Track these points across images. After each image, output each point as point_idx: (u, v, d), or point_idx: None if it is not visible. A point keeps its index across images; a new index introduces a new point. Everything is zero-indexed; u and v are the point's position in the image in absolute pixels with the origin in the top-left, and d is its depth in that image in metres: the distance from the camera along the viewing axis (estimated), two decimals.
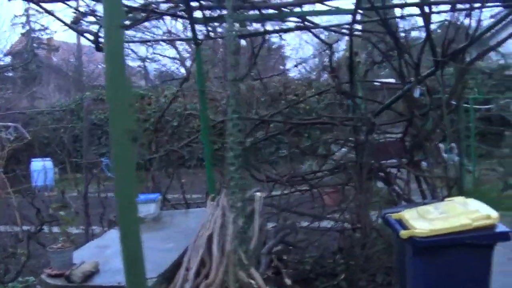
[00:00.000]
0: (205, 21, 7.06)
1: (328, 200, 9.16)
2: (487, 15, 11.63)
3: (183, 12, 7.12)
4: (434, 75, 7.47)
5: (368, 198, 7.66)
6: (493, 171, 15.87)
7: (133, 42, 19.39)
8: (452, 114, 8.56)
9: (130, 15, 6.97)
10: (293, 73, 27.25)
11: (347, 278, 7.05)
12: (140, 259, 3.52)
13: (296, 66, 16.15)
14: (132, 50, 28.19)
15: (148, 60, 30.44)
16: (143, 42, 24.14)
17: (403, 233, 4.76)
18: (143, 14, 6.94)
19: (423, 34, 7.55)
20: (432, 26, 7.43)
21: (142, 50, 33.84)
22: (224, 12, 6.67)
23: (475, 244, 4.66)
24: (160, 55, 31.29)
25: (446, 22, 7.61)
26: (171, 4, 7.13)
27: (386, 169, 7.94)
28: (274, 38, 24.65)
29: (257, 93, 12.11)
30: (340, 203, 8.23)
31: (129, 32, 17.30)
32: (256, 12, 6.79)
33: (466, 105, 16.78)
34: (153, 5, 6.84)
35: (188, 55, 30.08)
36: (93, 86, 27.69)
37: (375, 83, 11.29)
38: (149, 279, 4.09)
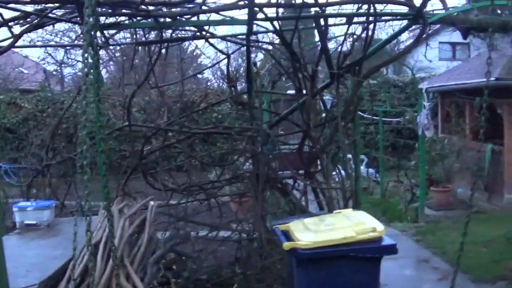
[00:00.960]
0: (100, 28, 6.92)
1: (239, 209, 9.14)
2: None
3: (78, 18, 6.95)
4: (329, 87, 7.54)
5: (264, 209, 7.66)
6: (401, 182, 16.24)
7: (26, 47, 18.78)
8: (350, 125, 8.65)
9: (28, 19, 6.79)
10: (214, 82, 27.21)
11: None
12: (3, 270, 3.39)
13: (195, 75, 16.07)
14: (49, 54, 27.58)
15: (64, 65, 29.82)
16: (36, 47, 23.40)
17: (286, 245, 4.74)
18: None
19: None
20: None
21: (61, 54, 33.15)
22: (121, 19, 6.59)
23: (360, 257, 4.67)
24: (76, 60, 30.71)
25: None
26: (67, 10, 6.98)
27: (283, 180, 7.95)
28: (191, 47, 24.48)
29: (169, 101, 11.98)
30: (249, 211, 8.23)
31: (47, 36, 16.98)
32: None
33: (375, 117, 17.14)
34: (47, 11, 6.66)
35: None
36: (7, 90, 26.89)
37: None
38: (31, 286, 3.97)
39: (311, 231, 4.90)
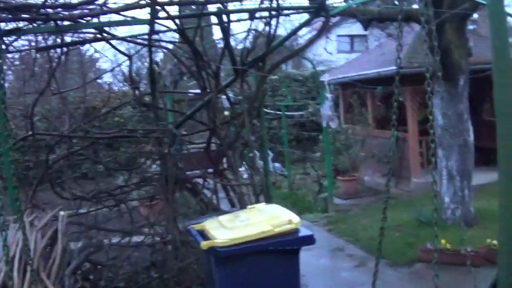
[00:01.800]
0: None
1: (150, 212, 8.98)
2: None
3: None
4: (233, 84, 7.52)
5: (176, 210, 7.56)
6: (307, 174, 16.42)
7: None
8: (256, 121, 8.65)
9: None
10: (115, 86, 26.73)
11: None
12: None
13: (96, 79, 15.69)
14: None
15: None
16: None
17: (204, 244, 4.65)
18: None
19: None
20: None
21: None
22: (21, 24, 6.32)
23: (278, 250, 4.68)
24: None
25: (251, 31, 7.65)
26: None
27: (192, 180, 7.87)
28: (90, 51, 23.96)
29: (70, 107, 11.66)
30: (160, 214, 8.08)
31: None
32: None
33: (279, 112, 17.26)
34: None
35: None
36: None
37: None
38: None
39: (227, 228, 4.87)
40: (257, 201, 7.32)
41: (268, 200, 7.76)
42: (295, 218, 4.87)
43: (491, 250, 8.30)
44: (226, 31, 6.98)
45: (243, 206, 6.93)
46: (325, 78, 18.35)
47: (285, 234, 4.72)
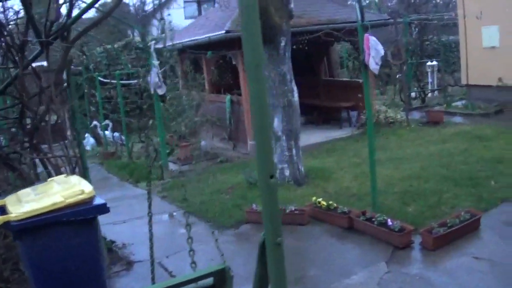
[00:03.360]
0: None
1: None
2: None
3: None
4: (40, 56, 7.20)
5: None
6: (143, 142, 16.25)
7: None
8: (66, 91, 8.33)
9: None
10: None
11: None
12: None
13: None
14: None
15: None
16: None
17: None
18: None
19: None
20: None
21: None
22: None
23: (72, 220, 4.64)
24: None
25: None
26: None
27: (8, 155, 7.52)
28: None
29: None
30: None
31: None
32: None
33: (113, 81, 16.92)
34: None
35: None
36: None
37: None
38: None
39: (22, 202, 4.82)
40: (73, 172, 7.13)
41: (84, 171, 7.59)
42: (88, 188, 4.85)
43: (316, 208, 8.58)
44: (27, 1, 6.63)
45: None
46: (153, 44, 18.14)
47: (78, 204, 4.69)
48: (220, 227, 8.93)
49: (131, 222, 9.94)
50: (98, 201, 4.88)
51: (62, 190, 4.87)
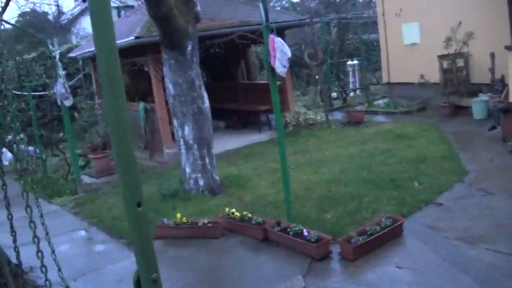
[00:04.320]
0: None
1: None
2: None
3: None
4: None
5: None
6: (57, 156, 15.60)
7: None
8: None
9: None
10: None
11: None
12: None
13: None
14: None
15: None
16: None
17: None
18: None
19: None
20: None
21: None
22: None
23: None
24: None
25: None
26: None
27: None
28: None
29: None
30: None
31: None
32: None
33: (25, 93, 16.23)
34: None
35: None
36: None
37: None
38: None
39: None
40: None
41: None
42: None
43: (229, 219, 8.17)
44: None
45: None
46: (57, 53, 17.46)
47: None
48: (130, 245, 8.40)
49: (42, 243, 9.33)
50: None
51: None
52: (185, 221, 8.27)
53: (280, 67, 7.37)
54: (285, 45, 7.37)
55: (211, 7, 14.78)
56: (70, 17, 35.45)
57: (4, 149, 18.26)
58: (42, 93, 17.10)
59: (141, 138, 14.74)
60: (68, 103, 11.45)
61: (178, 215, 8.36)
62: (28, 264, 8.17)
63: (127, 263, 7.65)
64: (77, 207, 11.12)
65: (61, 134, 14.88)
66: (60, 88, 11.24)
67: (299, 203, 8.62)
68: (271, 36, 7.44)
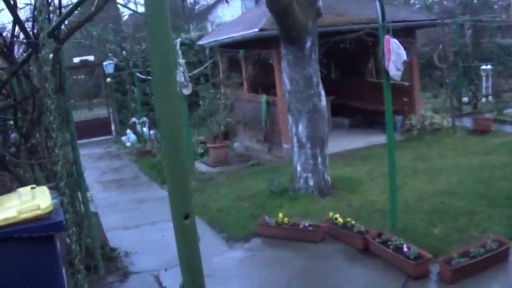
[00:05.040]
0: None
1: None
2: None
3: None
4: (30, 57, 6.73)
5: None
6: None
7: None
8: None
9: None
10: None
11: None
12: None
13: None
14: None
15: None
16: None
17: None
18: None
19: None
20: None
21: None
22: None
23: (27, 237, 4.24)
24: None
25: None
26: None
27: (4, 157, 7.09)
28: None
29: None
30: None
31: None
32: None
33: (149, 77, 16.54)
34: None
35: None
36: None
37: None
38: None
39: None
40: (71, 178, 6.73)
41: (78, 178, 7.16)
42: (45, 203, 4.42)
43: (332, 224, 7.88)
44: (11, 3, 6.17)
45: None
46: (203, 41, 17.68)
47: (34, 220, 4.28)
48: (231, 239, 8.34)
49: (143, 227, 9.51)
50: (55, 218, 4.41)
51: (21, 203, 4.48)
52: (286, 221, 8.06)
53: (394, 69, 6.97)
54: (401, 47, 6.94)
55: (341, 2, 14.43)
56: (206, 5, 36.04)
57: (128, 131, 18.88)
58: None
59: (261, 131, 14.68)
60: (186, 91, 11.54)
61: (280, 214, 8.17)
62: (127, 249, 8.33)
63: (218, 260, 7.57)
64: None
65: None
66: (179, 76, 11.33)
67: (408, 214, 8.17)
68: (387, 36, 7.06)
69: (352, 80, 17.96)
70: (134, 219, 9.97)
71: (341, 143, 14.17)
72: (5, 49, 6.57)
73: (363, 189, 9.95)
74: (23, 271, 4.35)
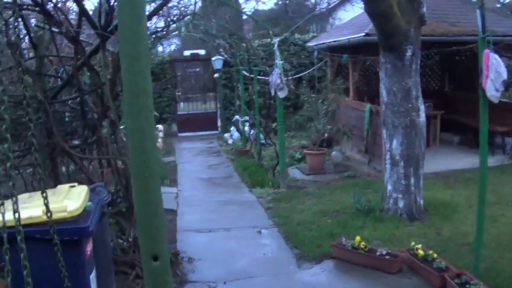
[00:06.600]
0: None
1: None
2: None
3: None
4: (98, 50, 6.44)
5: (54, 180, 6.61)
6: (269, 145, 15.43)
7: None
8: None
9: None
10: None
11: None
12: None
13: None
14: None
15: None
16: None
17: None
18: None
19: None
20: None
21: None
22: None
23: (46, 239, 3.98)
24: None
25: None
26: None
27: (71, 150, 6.86)
28: None
29: None
30: None
31: None
32: None
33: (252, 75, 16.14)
34: None
35: None
36: None
37: None
38: None
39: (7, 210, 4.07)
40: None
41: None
42: (74, 206, 4.37)
43: (412, 255, 7.10)
44: None
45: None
46: (312, 43, 17.13)
47: (57, 222, 4.04)
48: (300, 258, 7.74)
49: (216, 232, 9.11)
50: (82, 222, 4.33)
51: (51, 202, 4.07)
52: (363, 246, 7.36)
53: (492, 90, 6.13)
54: (501, 64, 6.09)
55: (454, 12, 13.48)
56: (329, 6, 35.30)
57: (232, 128, 18.62)
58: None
59: (362, 141, 13.94)
60: (282, 94, 11.06)
61: (357, 238, 7.48)
62: (193, 254, 7.90)
63: (285, 278, 7.00)
64: (272, 202, 10.76)
65: (274, 124, 14.57)
66: (275, 78, 10.88)
67: (498, 252, 7.24)
68: (486, 51, 6.22)
69: (465, 95, 16.84)
70: (209, 222, 9.59)
71: (446, 161, 13.23)
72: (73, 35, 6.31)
73: (457, 217, 9.00)
74: (45, 274, 4.21)
